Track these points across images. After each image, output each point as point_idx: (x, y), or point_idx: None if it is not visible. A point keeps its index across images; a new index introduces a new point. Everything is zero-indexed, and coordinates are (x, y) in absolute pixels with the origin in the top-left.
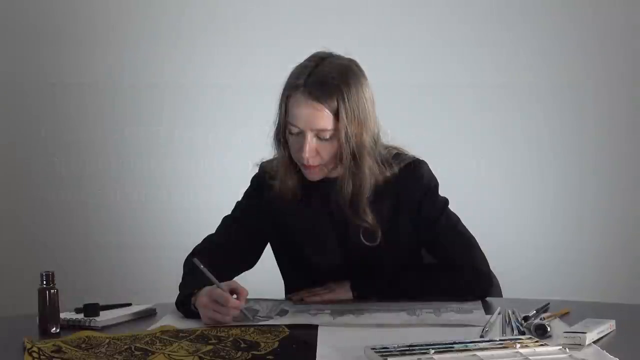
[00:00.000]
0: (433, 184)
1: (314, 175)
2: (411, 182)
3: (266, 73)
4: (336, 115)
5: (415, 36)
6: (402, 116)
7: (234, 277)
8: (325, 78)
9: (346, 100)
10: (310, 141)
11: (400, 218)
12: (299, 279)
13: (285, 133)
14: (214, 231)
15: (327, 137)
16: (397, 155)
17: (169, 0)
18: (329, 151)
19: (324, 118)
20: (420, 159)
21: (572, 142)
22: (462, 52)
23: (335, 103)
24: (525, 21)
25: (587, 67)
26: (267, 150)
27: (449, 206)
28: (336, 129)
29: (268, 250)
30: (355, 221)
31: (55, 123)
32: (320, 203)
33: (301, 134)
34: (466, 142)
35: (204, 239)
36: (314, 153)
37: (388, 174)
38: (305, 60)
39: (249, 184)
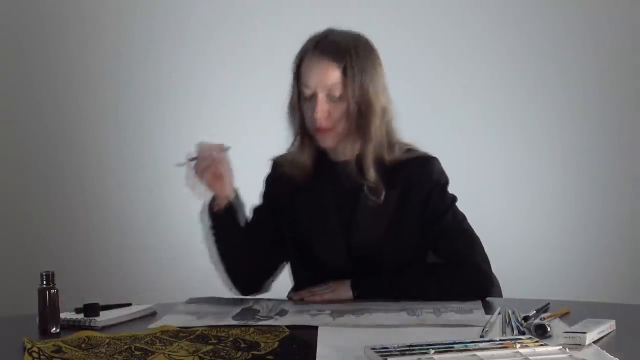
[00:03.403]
0: (443, 179)
1: (327, 140)
2: (421, 174)
3: (269, 74)
4: (345, 72)
5: (414, 36)
6: (401, 117)
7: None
8: (337, 40)
9: (354, 59)
10: (322, 100)
11: (407, 208)
12: (306, 272)
13: (299, 102)
14: None
15: (337, 95)
16: (410, 149)
17: (173, 1)
18: (339, 112)
19: (334, 74)
20: (433, 155)
21: (571, 142)
22: (460, 52)
23: (345, 61)
24: (524, 22)
25: (587, 67)
26: (268, 151)
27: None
28: (345, 86)
29: None
30: (359, 179)
31: (57, 123)
32: (330, 186)
33: (313, 97)
34: (466, 143)
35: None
36: (326, 114)
37: (397, 154)
38: (317, 33)
39: (264, 185)
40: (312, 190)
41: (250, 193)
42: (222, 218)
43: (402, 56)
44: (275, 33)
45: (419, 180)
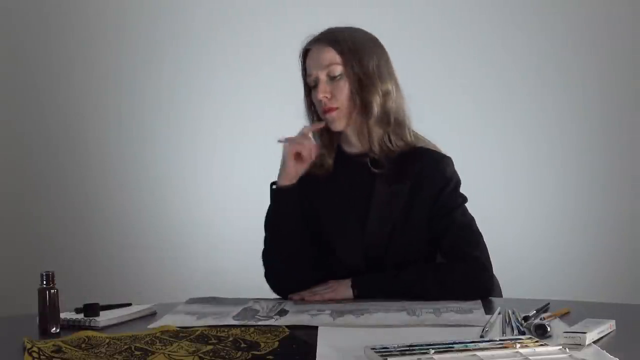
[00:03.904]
0: (456, 179)
1: (336, 122)
2: (435, 170)
3: (273, 74)
4: (342, 53)
5: (413, 36)
6: None
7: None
8: (337, 30)
9: (350, 41)
10: (323, 81)
11: (417, 202)
12: (316, 272)
13: (309, 97)
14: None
15: (337, 74)
16: (427, 145)
17: (177, 1)
18: (342, 91)
19: (330, 54)
20: (448, 155)
21: (571, 141)
22: (459, 52)
23: (341, 45)
24: (523, 21)
25: (587, 67)
26: (271, 151)
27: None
28: (344, 64)
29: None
30: (363, 147)
31: (59, 122)
32: (344, 179)
33: (317, 82)
34: (465, 143)
35: None
36: (329, 95)
37: (409, 140)
38: None
39: None
40: (329, 185)
41: (254, 192)
42: (282, 198)
43: (401, 56)
44: (279, 33)
45: (432, 174)
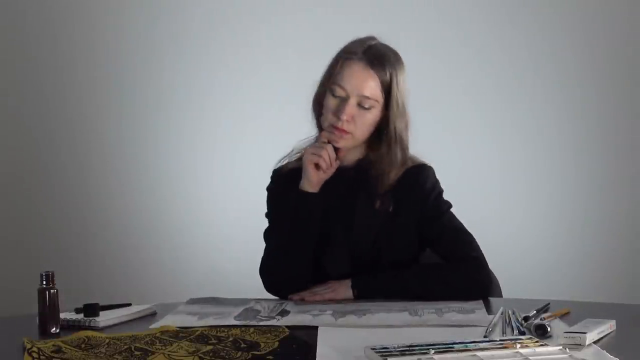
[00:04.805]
0: (438, 189)
1: (340, 140)
2: (416, 183)
3: (272, 74)
4: (387, 89)
5: (410, 35)
6: None
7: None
8: (385, 53)
9: (398, 78)
10: (352, 105)
11: (401, 210)
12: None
13: (323, 96)
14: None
15: (368, 106)
16: (409, 158)
17: (177, 1)
18: (364, 122)
19: (374, 87)
20: (429, 164)
21: (571, 142)
22: (456, 52)
23: (388, 77)
24: (521, 21)
25: (584, 67)
26: (269, 154)
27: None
28: (386, 101)
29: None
30: (352, 162)
31: (60, 122)
32: (331, 190)
33: (344, 99)
34: (464, 143)
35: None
36: (350, 118)
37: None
38: (361, 37)
39: (269, 198)
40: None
41: (254, 192)
42: (305, 203)
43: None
44: (279, 33)
45: (414, 187)
